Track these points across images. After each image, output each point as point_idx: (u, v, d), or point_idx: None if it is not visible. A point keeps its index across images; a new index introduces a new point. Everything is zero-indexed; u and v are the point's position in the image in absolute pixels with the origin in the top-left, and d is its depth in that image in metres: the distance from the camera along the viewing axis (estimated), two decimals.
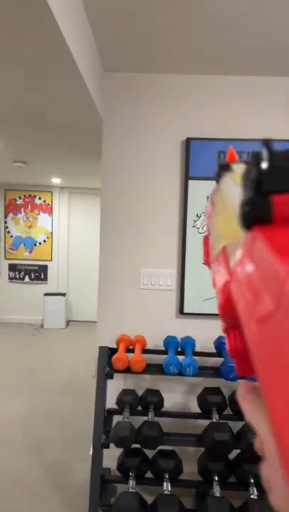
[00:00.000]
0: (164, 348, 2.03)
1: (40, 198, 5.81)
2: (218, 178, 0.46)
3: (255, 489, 1.66)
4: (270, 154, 0.22)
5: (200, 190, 2.09)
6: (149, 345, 2.14)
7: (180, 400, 2.20)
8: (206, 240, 0.48)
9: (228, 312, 0.24)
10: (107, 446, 1.77)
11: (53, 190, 5.79)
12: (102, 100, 2.11)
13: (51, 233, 5.84)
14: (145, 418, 1.81)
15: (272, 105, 2.11)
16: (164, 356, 1.93)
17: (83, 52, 1.63)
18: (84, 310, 5.92)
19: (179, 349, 1.98)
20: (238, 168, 0.44)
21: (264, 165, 0.22)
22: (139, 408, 1.93)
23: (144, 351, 2.00)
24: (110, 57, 1.97)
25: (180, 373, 1.83)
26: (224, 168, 0.46)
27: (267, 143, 0.23)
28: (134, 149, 2.15)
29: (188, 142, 2.07)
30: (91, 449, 1.82)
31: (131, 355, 1.93)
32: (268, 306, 0.17)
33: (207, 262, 0.47)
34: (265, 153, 0.22)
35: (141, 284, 2.19)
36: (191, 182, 2.09)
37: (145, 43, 1.81)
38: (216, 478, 1.69)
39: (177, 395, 2.19)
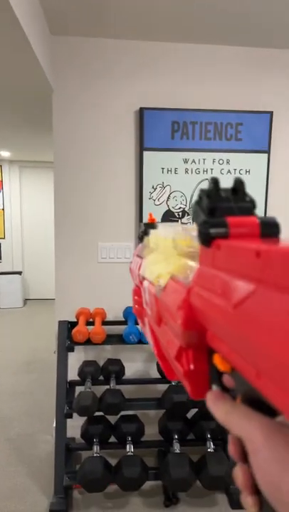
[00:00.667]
0: (123, 319, 2.07)
1: None
2: (143, 235, 0.57)
3: (211, 443, 1.79)
4: (217, 189, 0.28)
5: (155, 161, 2.09)
6: (109, 317, 2.16)
7: (141, 368, 2.27)
8: (136, 290, 0.55)
9: (192, 324, 0.26)
10: (71, 416, 1.81)
11: (2, 164, 5.50)
12: (50, 66, 2.01)
13: (2, 209, 5.59)
14: (107, 387, 1.86)
15: (227, 75, 2.12)
16: (124, 327, 1.97)
17: (26, 11, 1.52)
18: (42, 288, 5.81)
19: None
20: (159, 227, 0.54)
21: (214, 197, 0.27)
22: (101, 378, 1.97)
23: (104, 323, 2.03)
24: (57, 19, 1.86)
25: (140, 342, 1.88)
26: (149, 226, 0.56)
27: (214, 180, 0.28)
28: (87, 119, 2.09)
29: (141, 112, 2.04)
30: (55, 420, 1.85)
31: (91, 327, 1.94)
32: (246, 288, 0.19)
33: (137, 311, 0.55)
34: (213, 189, 0.27)
35: (99, 257, 2.19)
36: (146, 153, 2.08)
37: (94, 3, 1.73)
38: (176, 436, 1.80)
39: (138, 363, 2.26)
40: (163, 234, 0.45)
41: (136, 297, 0.55)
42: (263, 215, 2.18)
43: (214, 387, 0.27)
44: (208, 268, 0.26)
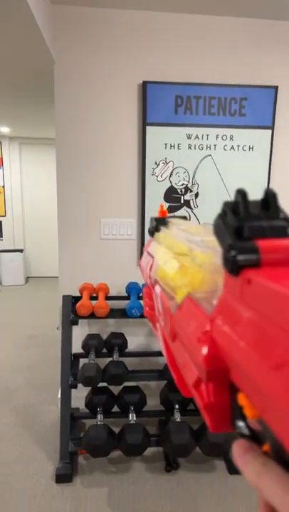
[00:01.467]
0: (126, 294, 2.11)
1: None
2: (153, 231, 0.50)
3: None
4: (245, 203, 0.24)
5: (158, 136, 2.07)
6: (112, 293, 2.20)
7: (143, 342, 2.32)
8: (148, 291, 0.49)
9: (217, 362, 0.23)
10: (75, 387, 1.87)
11: (2, 141, 5.43)
12: (51, 37, 1.96)
13: (3, 187, 5.56)
14: (110, 359, 1.92)
15: (233, 48, 2.08)
16: (127, 301, 2.01)
17: None
18: (43, 266, 5.85)
19: (141, 294, 2.07)
20: (172, 223, 0.47)
21: (242, 213, 0.23)
22: (105, 351, 2.03)
23: (108, 298, 2.07)
24: None
25: (142, 316, 1.92)
26: (160, 222, 0.49)
27: (242, 192, 0.24)
28: (89, 93, 2.06)
29: (144, 86, 2.01)
30: (60, 391, 1.91)
31: (94, 302, 1.98)
32: (285, 352, 0.16)
33: (148, 314, 0.49)
34: (241, 203, 0.23)
35: (102, 234, 2.20)
36: (148, 128, 2.06)
37: None
38: (177, 406, 1.86)
39: (140, 337, 2.32)
40: (177, 238, 0.39)
41: (147, 299, 0.50)
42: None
43: (239, 424, 0.24)
44: (235, 302, 0.22)
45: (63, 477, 1.75)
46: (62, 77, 2.04)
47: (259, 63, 2.10)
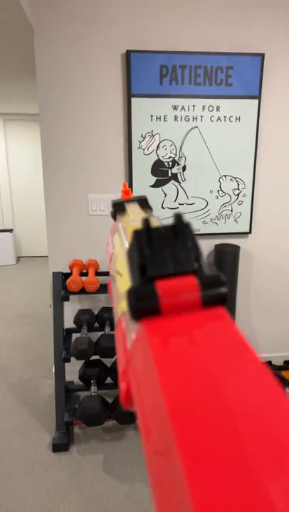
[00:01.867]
0: None
1: None
2: (113, 217, 0.45)
3: None
4: (148, 237, 0.22)
5: (144, 108, 2.04)
6: (102, 269, 2.21)
7: None
8: (109, 284, 0.44)
9: (130, 404, 0.21)
10: (68, 361, 1.91)
11: None
12: (30, 5, 1.88)
13: None
14: (102, 333, 1.95)
15: (218, 15, 2.01)
16: None
17: None
18: (34, 245, 5.82)
19: None
20: (132, 208, 0.43)
21: (146, 251, 0.22)
22: (96, 325, 2.06)
23: (98, 274, 2.08)
24: None
25: None
26: (117, 207, 0.44)
27: (146, 222, 0.22)
28: (71, 64, 2.00)
29: (128, 55, 1.96)
30: (54, 365, 1.95)
31: (85, 278, 1.99)
32: (159, 443, 0.15)
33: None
34: (144, 237, 0.22)
35: (90, 210, 2.19)
36: (134, 100, 2.02)
37: None
38: None
39: None
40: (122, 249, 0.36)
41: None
42: (252, 165, 2.18)
43: None
44: (138, 350, 0.20)
45: (60, 446, 1.82)
46: (43, 47, 1.97)
47: (245, 30, 2.05)
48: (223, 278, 0.21)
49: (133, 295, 0.21)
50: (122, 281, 0.27)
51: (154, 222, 0.30)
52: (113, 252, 0.38)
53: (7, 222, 5.68)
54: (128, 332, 0.23)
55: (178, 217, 0.23)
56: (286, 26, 2.07)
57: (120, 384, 0.22)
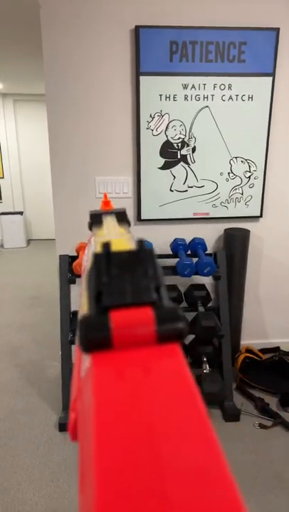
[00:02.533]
0: None
1: None
2: (90, 228, 0.43)
3: (207, 365, 1.91)
4: (107, 263, 0.21)
5: (152, 87, 1.97)
6: None
7: None
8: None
9: (76, 437, 0.20)
10: (74, 343, 1.92)
11: None
12: None
13: None
14: None
15: None
16: None
17: None
18: (45, 228, 5.84)
19: (189, 252, 2.09)
20: (108, 222, 0.42)
21: (104, 277, 0.21)
22: None
23: None
24: None
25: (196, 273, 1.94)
26: (94, 219, 0.42)
27: (106, 246, 0.21)
28: (78, 40, 1.93)
29: (137, 31, 1.88)
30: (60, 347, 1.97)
31: None
32: (86, 487, 0.15)
33: None
34: (103, 263, 0.21)
35: (97, 192, 2.16)
36: (142, 78, 1.95)
37: None
38: None
39: None
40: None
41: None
42: (265, 147, 2.11)
43: None
44: (88, 384, 0.19)
45: (66, 426, 1.85)
46: (49, 23, 1.90)
47: (259, 4, 1.95)
48: (180, 312, 0.20)
49: (84, 325, 0.20)
50: (82, 303, 0.26)
51: (124, 243, 0.28)
52: (86, 265, 0.37)
53: (17, 205, 5.69)
54: (84, 359, 0.21)
55: (140, 243, 0.23)
56: None
57: (70, 413, 0.21)
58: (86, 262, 0.38)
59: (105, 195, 0.57)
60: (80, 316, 0.23)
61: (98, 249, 0.31)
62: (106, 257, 0.22)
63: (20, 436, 1.83)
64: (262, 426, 1.90)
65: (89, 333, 0.19)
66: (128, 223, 0.44)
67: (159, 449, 0.15)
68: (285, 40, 2.00)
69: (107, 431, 0.15)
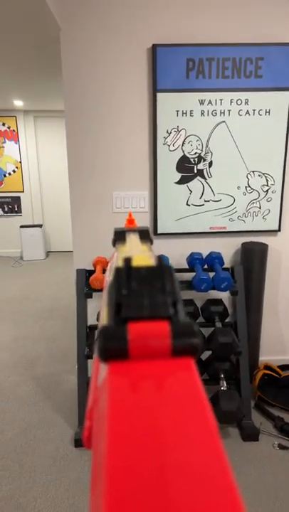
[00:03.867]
0: None
1: (4, 125, 5.43)
2: (114, 244, 0.44)
3: (224, 382, 1.87)
4: (128, 277, 0.22)
5: (169, 103, 2.00)
6: None
7: None
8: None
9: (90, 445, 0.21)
10: (91, 357, 1.92)
11: (16, 115, 5.39)
12: (56, 3, 1.88)
13: (20, 162, 5.57)
14: None
15: (246, 3, 1.93)
16: None
17: None
18: (63, 240, 5.92)
19: (206, 266, 2.09)
20: (131, 239, 0.43)
21: (124, 290, 0.22)
22: None
23: None
24: None
25: (213, 288, 1.93)
26: (118, 236, 0.44)
27: (127, 261, 0.22)
28: (96, 60, 1.98)
29: (154, 49, 1.92)
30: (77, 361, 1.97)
31: None
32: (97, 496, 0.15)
33: None
34: (123, 276, 0.22)
35: (114, 207, 2.18)
36: (159, 95, 1.98)
37: None
38: None
39: None
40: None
41: None
42: (283, 160, 2.09)
43: None
44: (103, 393, 0.20)
45: (82, 441, 1.83)
46: (69, 44, 1.96)
47: (275, 19, 1.96)
48: (196, 328, 0.21)
49: (103, 335, 0.20)
50: (103, 316, 0.27)
51: (145, 260, 0.29)
52: (108, 280, 0.38)
53: (37, 218, 5.80)
54: (101, 368, 0.22)
55: (159, 259, 0.24)
56: None
57: (86, 421, 0.22)
58: (108, 276, 0.39)
59: (130, 214, 0.58)
60: (99, 326, 0.24)
61: (120, 264, 0.33)
62: (127, 271, 0.23)
63: (37, 452, 1.83)
64: (281, 446, 1.84)
65: (107, 343, 0.20)
66: (151, 241, 0.45)
67: (166, 456, 0.15)
68: None
69: (119, 438, 0.16)
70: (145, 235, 0.45)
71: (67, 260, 5.47)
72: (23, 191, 5.68)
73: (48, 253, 5.93)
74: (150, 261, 0.29)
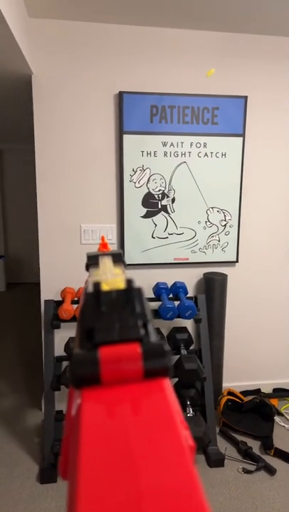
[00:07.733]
0: None
1: None
2: (87, 269, 0.44)
3: (190, 409, 1.93)
4: (97, 302, 0.22)
5: (135, 144, 2.15)
6: None
7: None
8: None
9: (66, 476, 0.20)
10: (58, 389, 1.91)
11: None
12: (29, 49, 2.02)
13: None
14: None
15: (204, 60, 2.18)
16: None
17: None
18: (25, 272, 5.83)
19: (171, 295, 2.17)
20: (104, 263, 0.43)
21: (93, 315, 0.22)
22: None
23: None
24: (34, 1, 1.87)
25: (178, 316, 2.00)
26: (91, 260, 0.44)
27: (96, 286, 0.22)
28: (67, 104, 2.12)
29: (121, 96, 2.09)
30: (43, 394, 1.95)
31: (76, 306, 2.03)
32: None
33: None
34: (92, 302, 0.22)
35: (82, 239, 2.26)
36: (125, 137, 2.13)
37: None
38: None
39: None
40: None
41: None
42: (238, 198, 2.30)
43: None
44: (77, 421, 0.20)
45: (48, 478, 1.79)
46: (41, 88, 2.09)
47: (229, 74, 2.22)
48: (166, 348, 0.21)
49: (74, 361, 0.20)
50: (76, 342, 0.27)
51: (118, 283, 0.29)
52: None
53: None
54: (76, 396, 0.22)
55: (129, 282, 0.24)
56: (266, 72, 2.24)
57: (61, 451, 0.22)
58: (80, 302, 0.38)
59: (103, 238, 0.59)
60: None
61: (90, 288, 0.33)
62: (96, 296, 0.23)
63: (1, 490, 1.75)
64: (246, 471, 1.90)
65: (78, 369, 0.20)
66: (124, 264, 0.46)
67: (140, 481, 0.16)
68: (252, 106, 2.25)
69: (92, 467, 0.16)
70: (118, 258, 0.46)
71: (29, 291, 5.37)
72: None
73: (8, 284, 5.79)
74: (123, 284, 0.29)
